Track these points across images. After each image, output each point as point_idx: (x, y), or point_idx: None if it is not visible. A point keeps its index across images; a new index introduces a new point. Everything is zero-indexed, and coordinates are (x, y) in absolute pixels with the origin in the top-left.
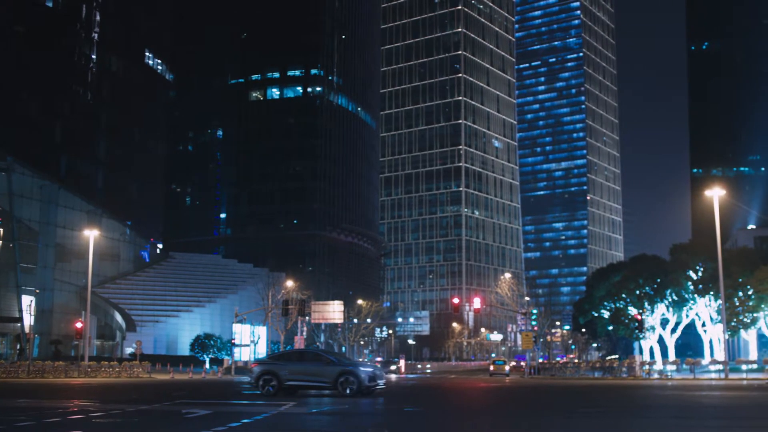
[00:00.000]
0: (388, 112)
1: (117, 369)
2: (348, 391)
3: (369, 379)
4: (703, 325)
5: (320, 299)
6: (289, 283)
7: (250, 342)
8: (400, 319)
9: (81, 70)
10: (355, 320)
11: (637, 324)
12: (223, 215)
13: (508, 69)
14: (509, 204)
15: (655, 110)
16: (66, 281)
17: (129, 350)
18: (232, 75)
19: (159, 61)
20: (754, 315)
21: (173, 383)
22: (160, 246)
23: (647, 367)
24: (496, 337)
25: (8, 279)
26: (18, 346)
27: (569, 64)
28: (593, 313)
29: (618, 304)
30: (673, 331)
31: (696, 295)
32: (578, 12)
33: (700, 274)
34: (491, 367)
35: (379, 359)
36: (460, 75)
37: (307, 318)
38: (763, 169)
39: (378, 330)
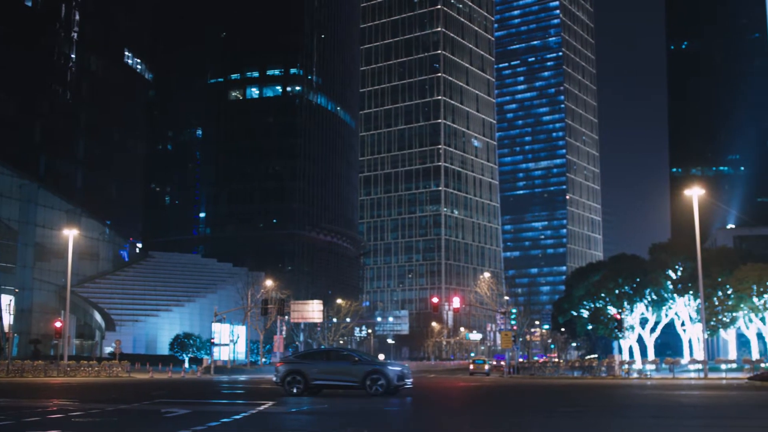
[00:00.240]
0: (368, 111)
1: (96, 368)
2: (376, 391)
3: (398, 378)
4: (683, 324)
5: (299, 299)
6: (269, 283)
7: (230, 341)
8: (379, 319)
9: (60, 70)
10: (335, 319)
11: (616, 323)
12: (202, 214)
13: (488, 68)
14: (488, 203)
15: (635, 109)
16: (45, 280)
17: (108, 349)
18: (212, 74)
19: (138, 61)
20: (734, 314)
21: (152, 382)
22: (139, 245)
23: (626, 366)
24: (476, 336)
25: None
26: None
27: (548, 63)
28: (572, 312)
29: (597, 304)
30: (653, 330)
31: (675, 295)
32: (557, 11)
33: (679, 273)
34: (471, 366)
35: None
36: (440, 74)
37: (286, 317)
38: (742, 168)
39: (357, 329)
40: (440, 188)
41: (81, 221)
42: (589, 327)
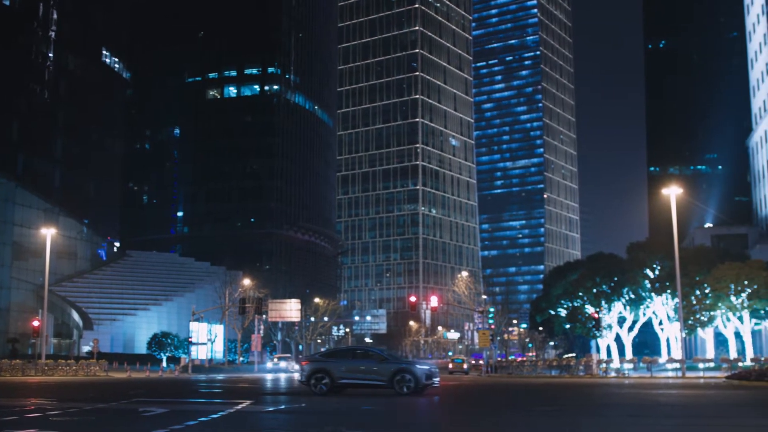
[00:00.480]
0: (345, 110)
1: (74, 367)
2: (405, 390)
3: (426, 377)
4: (660, 323)
5: (277, 298)
6: (246, 282)
7: (207, 340)
8: (357, 318)
9: (38, 69)
10: (312, 318)
11: (594, 322)
12: (180, 214)
13: (466, 67)
14: (466, 202)
15: (613, 108)
16: (23, 279)
17: (86, 348)
18: (189, 73)
19: (116, 60)
20: (711, 313)
21: (130, 382)
22: (117, 244)
23: (604, 365)
24: (453, 335)
25: None
26: None
27: (526, 62)
28: (550, 311)
29: (575, 303)
30: (630, 329)
31: (653, 294)
32: (535, 10)
33: (657, 272)
34: (450, 365)
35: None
36: (417, 73)
37: (264, 316)
38: (720, 167)
39: (335, 328)
40: (418, 187)
41: (59, 220)
42: (567, 326)
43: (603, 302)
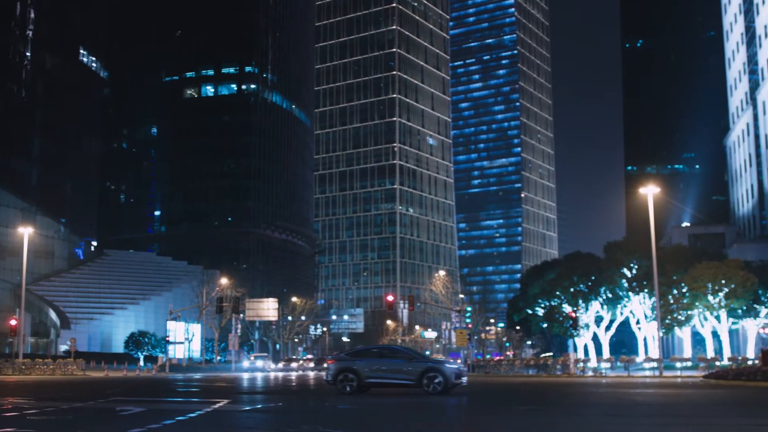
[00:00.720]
0: (323, 109)
1: (51, 366)
2: (434, 389)
3: (455, 376)
4: (638, 322)
5: (254, 297)
6: (224, 281)
7: (185, 339)
8: (334, 317)
9: (15, 68)
10: (290, 318)
11: (571, 322)
12: (157, 213)
13: (443, 66)
14: (444, 201)
15: (591, 107)
16: (0, 279)
17: (63, 348)
18: (167, 72)
19: (93, 59)
20: (689, 313)
21: (108, 381)
22: (94, 243)
23: (582, 364)
24: (431, 334)
25: None
26: None
27: (504, 61)
28: (528, 310)
29: (552, 302)
30: (608, 328)
31: (630, 293)
32: (512, 10)
33: (634, 271)
34: None
35: (310, 356)
36: (395, 72)
37: (241, 315)
38: (697, 166)
39: (312, 327)
40: (395, 186)
41: (36, 219)
42: (544, 325)
43: (580, 301)
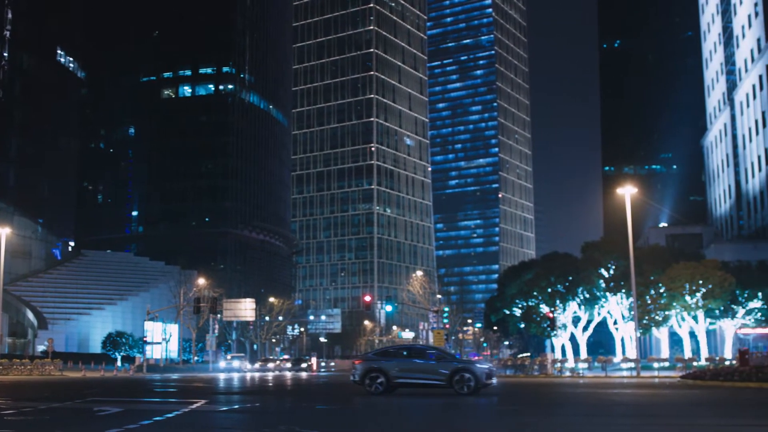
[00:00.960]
0: (300, 109)
1: (29, 367)
2: (464, 390)
3: (486, 376)
4: (615, 323)
5: (232, 297)
6: (201, 281)
7: (162, 340)
8: (311, 317)
9: None
10: (267, 318)
11: (548, 322)
12: (135, 213)
13: (420, 67)
14: (421, 202)
15: (568, 108)
16: None
17: (41, 348)
18: (144, 73)
19: (71, 59)
20: (666, 313)
21: (85, 381)
22: (71, 244)
23: (559, 364)
24: (408, 335)
25: None
26: None
27: (481, 62)
28: (505, 311)
29: (530, 302)
30: (585, 329)
31: (608, 293)
32: (490, 10)
33: (611, 272)
34: None
35: (286, 357)
36: (372, 73)
37: (219, 315)
38: (675, 167)
39: (290, 328)
40: (373, 187)
41: (13, 220)
42: (522, 325)
43: (558, 302)
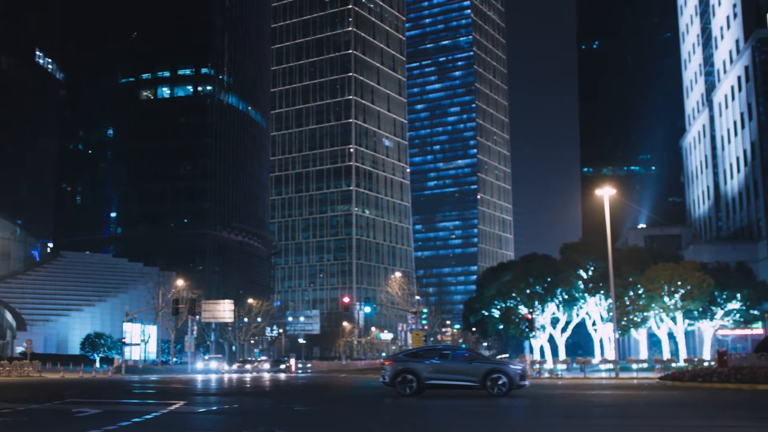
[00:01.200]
0: (279, 111)
1: (7, 368)
2: (498, 391)
3: (519, 377)
4: (594, 324)
5: (211, 298)
6: (180, 282)
7: (141, 341)
8: (290, 318)
9: None
10: (246, 319)
11: (527, 323)
12: (113, 214)
13: (399, 68)
14: (400, 203)
15: (547, 109)
16: None
17: (19, 349)
18: (123, 74)
19: (49, 61)
20: (645, 314)
21: (64, 382)
22: (50, 245)
23: (538, 366)
24: (387, 336)
25: None
26: None
27: (459, 63)
28: (484, 312)
29: (508, 304)
30: (564, 330)
31: (586, 295)
32: (468, 11)
33: (590, 273)
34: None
35: (264, 358)
36: (351, 74)
37: (197, 317)
38: (653, 168)
39: (268, 329)
40: (351, 188)
41: None
42: (500, 327)
43: (536, 303)
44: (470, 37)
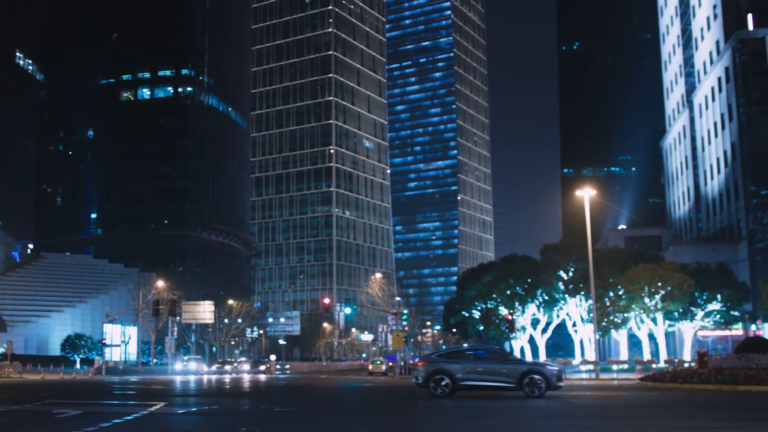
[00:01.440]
0: (259, 112)
1: None
2: (535, 392)
3: (556, 378)
4: (574, 325)
5: (191, 299)
6: (160, 284)
7: (121, 342)
8: (270, 320)
9: None
10: (226, 320)
11: (507, 324)
12: (94, 215)
13: (379, 69)
14: (380, 204)
15: (528, 110)
16: None
17: (0, 350)
18: (103, 75)
19: (30, 62)
20: (625, 315)
21: (44, 383)
22: (30, 246)
23: None
24: (367, 337)
25: None
26: None
27: (440, 64)
28: (464, 313)
29: (489, 304)
30: (544, 331)
31: (567, 295)
32: (449, 12)
33: (571, 274)
34: (370, 367)
35: (243, 359)
36: (331, 75)
37: (177, 318)
38: (633, 169)
39: (249, 330)
40: (331, 189)
41: None
42: (481, 328)
43: (517, 304)
44: (450, 38)
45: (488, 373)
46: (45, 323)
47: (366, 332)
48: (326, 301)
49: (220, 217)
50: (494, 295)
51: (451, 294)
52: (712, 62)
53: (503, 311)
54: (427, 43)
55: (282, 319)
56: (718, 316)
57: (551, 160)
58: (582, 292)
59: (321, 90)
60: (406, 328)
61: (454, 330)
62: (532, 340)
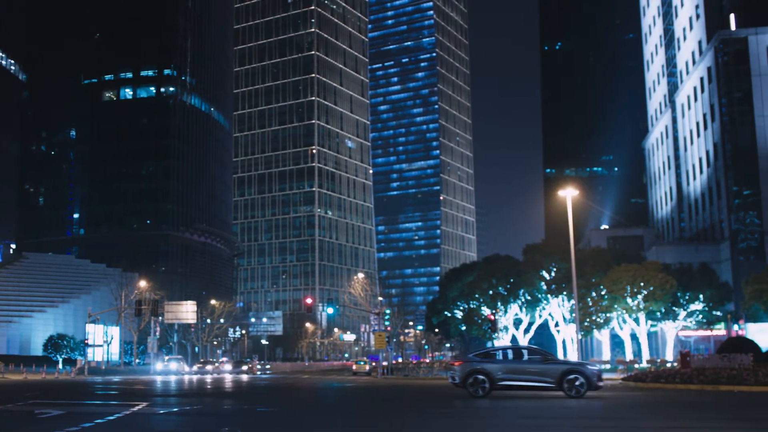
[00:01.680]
0: (242, 112)
1: None
2: (575, 393)
3: (597, 378)
4: (557, 325)
5: (173, 299)
6: (143, 284)
7: (104, 342)
8: (253, 320)
9: None
10: (209, 320)
11: (490, 324)
12: (76, 215)
13: (362, 69)
14: (362, 204)
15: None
16: None
17: None
18: (86, 75)
19: (12, 62)
20: (607, 315)
21: (26, 383)
22: (13, 246)
23: None
24: (350, 337)
25: None
26: None
27: (422, 64)
28: (446, 313)
29: (471, 305)
30: (527, 331)
31: (549, 296)
32: (431, 12)
33: (553, 274)
34: (354, 367)
35: (224, 359)
36: (314, 75)
37: (160, 318)
38: (616, 169)
39: (231, 330)
40: (314, 189)
41: None
42: (463, 328)
43: (499, 304)
44: (433, 38)
45: (528, 372)
46: (27, 323)
47: (348, 332)
48: (309, 301)
49: (202, 217)
50: (477, 295)
51: (433, 294)
52: (694, 62)
53: (486, 311)
54: (409, 43)
55: (264, 319)
56: (701, 316)
57: (534, 160)
58: (564, 292)
59: (303, 90)
60: (389, 328)
61: (437, 330)
62: (514, 340)
